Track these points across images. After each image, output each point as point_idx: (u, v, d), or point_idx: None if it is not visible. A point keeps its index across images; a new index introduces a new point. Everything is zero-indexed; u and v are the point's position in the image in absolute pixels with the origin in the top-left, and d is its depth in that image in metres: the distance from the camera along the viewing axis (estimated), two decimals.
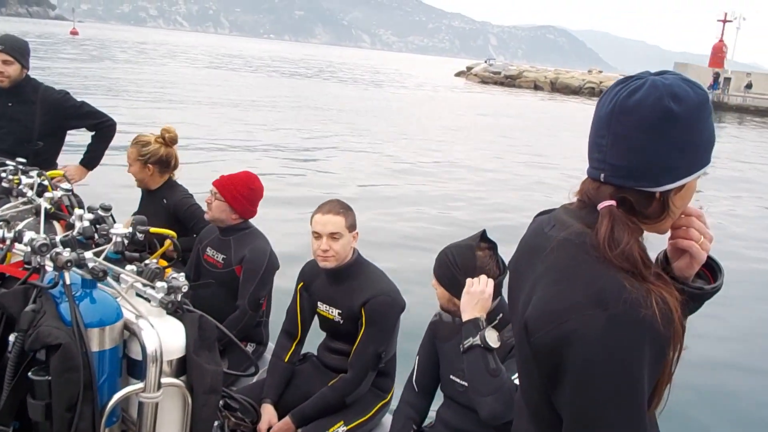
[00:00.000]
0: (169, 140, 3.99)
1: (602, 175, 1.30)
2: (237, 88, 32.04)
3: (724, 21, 63.39)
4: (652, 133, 1.25)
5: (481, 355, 2.25)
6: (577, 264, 1.26)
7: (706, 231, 1.38)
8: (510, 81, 63.75)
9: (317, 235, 3.08)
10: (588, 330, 1.17)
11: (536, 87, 61.38)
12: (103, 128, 4.64)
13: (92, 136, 4.68)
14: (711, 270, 1.46)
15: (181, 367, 1.89)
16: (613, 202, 1.28)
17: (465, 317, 2.35)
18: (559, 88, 59.97)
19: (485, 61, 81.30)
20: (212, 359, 1.93)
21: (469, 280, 2.41)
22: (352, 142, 17.87)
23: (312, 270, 3.29)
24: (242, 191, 3.54)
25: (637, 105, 1.25)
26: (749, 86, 54.67)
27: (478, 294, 2.37)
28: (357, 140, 18.22)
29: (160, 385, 1.82)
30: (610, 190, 1.30)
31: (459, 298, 2.43)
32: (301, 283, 3.33)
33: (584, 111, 42.20)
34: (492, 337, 2.27)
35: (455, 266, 2.51)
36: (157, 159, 3.95)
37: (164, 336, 1.84)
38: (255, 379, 3.37)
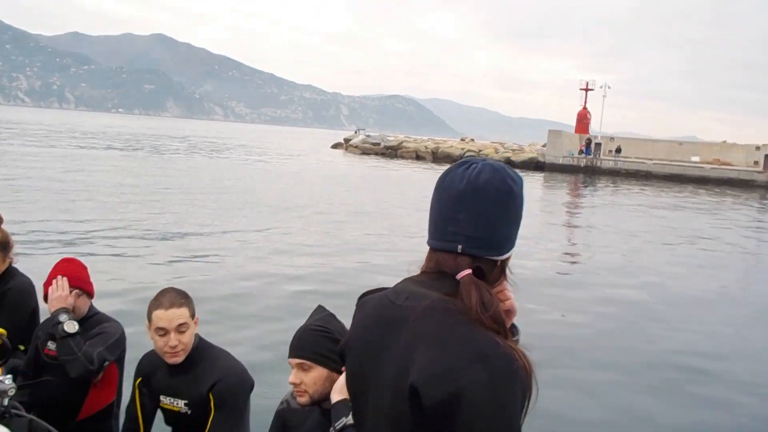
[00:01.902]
0: None
1: (460, 247, 1.45)
2: (70, 165, 30.93)
3: (586, 89, 67.91)
4: (500, 208, 1.47)
5: None
6: (452, 327, 1.37)
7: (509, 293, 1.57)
8: (391, 152, 64.91)
9: (163, 332, 2.93)
10: (475, 386, 1.29)
11: (418, 157, 62.76)
12: None
13: None
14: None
15: None
16: (470, 271, 1.43)
17: (336, 398, 2.03)
18: (440, 157, 61.72)
19: (356, 131, 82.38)
20: None
21: None
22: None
23: (151, 362, 3.15)
24: (89, 280, 3.51)
25: (487, 184, 1.45)
26: (618, 150, 58.41)
27: None
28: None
29: None
30: (468, 261, 1.45)
31: (340, 371, 2.13)
32: (139, 379, 3.17)
33: None
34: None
35: (331, 334, 2.38)
36: (1, 242, 3.77)
37: None
38: None
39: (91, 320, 3.46)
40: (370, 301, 1.59)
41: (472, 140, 74.57)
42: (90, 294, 3.53)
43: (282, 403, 2.63)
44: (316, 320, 2.45)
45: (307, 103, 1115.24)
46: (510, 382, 1.31)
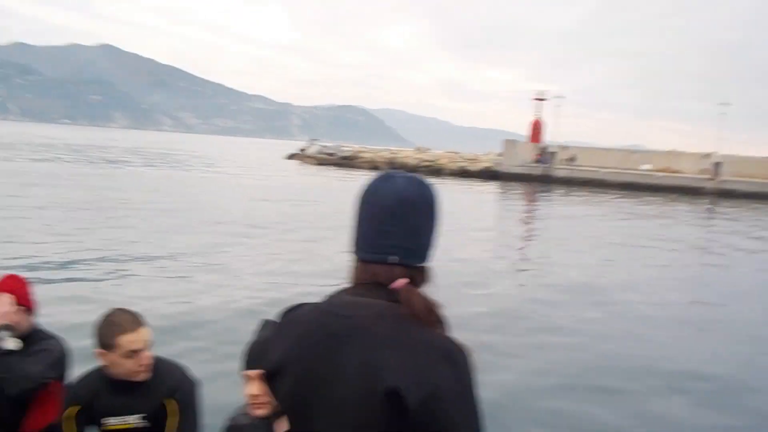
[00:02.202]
0: None
1: (396, 258, 1.54)
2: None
3: (540, 99, 68.60)
4: (430, 219, 1.59)
5: None
6: (409, 331, 1.47)
7: None
8: (347, 162, 64.53)
9: (135, 353, 2.93)
10: (448, 381, 1.43)
11: (374, 167, 62.46)
12: None
13: None
14: None
15: None
16: (407, 280, 1.53)
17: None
18: (397, 167, 61.34)
19: (310, 142, 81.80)
20: None
21: None
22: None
23: (89, 388, 3.06)
24: (31, 297, 3.44)
25: (415, 197, 1.56)
26: (573, 159, 59.09)
27: None
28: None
29: None
30: (403, 270, 1.54)
31: None
32: (78, 407, 3.05)
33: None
34: None
35: None
36: None
37: None
38: None
39: (32, 337, 3.38)
40: (304, 316, 1.58)
41: (428, 150, 74.52)
42: (32, 311, 3.45)
43: (230, 420, 2.48)
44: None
45: (257, 114, 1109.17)
46: (471, 372, 1.47)
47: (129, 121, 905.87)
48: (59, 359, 3.38)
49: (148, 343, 3.00)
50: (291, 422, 1.57)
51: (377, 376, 1.42)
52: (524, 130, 67.87)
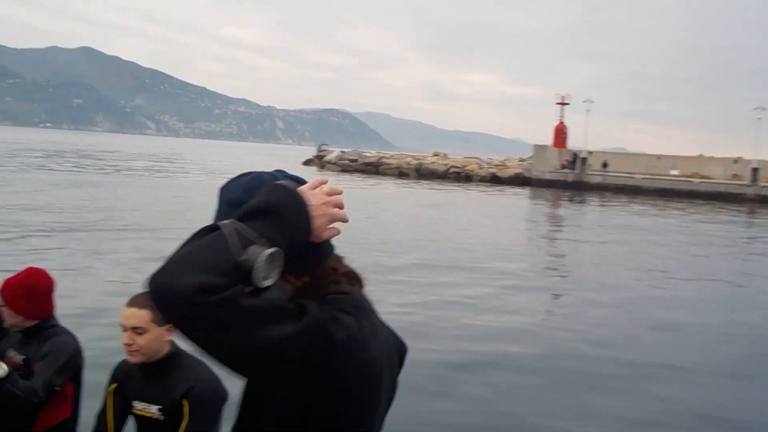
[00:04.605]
0: None
1: None
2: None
3: (562, 104, 68.17)
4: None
5: None
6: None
7: None
8: (372, 168, 63.51)
9: (123, 328, 3.01)
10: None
11: (401, 174, 61.63)
12: None
13: None
14: None
15: None
16: None
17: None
18: (424, 174, 60.67)
19: (320, 147, 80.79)
20: None
21: None
22: None
23: (125, 368, 3.18)
24: (19, 292, 3.29)
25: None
26: (605, 165, 58.55)
27: None
28: None
29: None
30: None
31: None
32: (114, 385, 3.18)
33: (484, 196, 42.62)
34: None
35: None
36: None
37: None
38: None
39: (42, 333, 3.36)
40: (364, 303, 1.54)
41: (446, 155, 73.39)
42: (20, 315, 3.35)
43: None
44: None
45: (241, 117, 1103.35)
46: None
47: (112, 124, 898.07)
48: (68, 363, 3.30)
49: (134, 328, 2.97)
50: (365, 419, 1.48)
51: (398, 344, 1.68)
52: (506, 133, 67.41)
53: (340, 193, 1.49)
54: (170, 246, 1.30)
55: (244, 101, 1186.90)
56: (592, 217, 35.73)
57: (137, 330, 2.96)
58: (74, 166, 50.40)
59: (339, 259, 1.57)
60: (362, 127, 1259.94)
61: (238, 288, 1.24)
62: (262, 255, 1.27)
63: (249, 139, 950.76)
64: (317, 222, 1.42)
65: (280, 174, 1.54)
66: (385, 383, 1.50)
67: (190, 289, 1.19)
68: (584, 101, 65.46)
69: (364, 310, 1.49)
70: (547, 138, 65.50)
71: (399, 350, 1.68)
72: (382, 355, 1.49)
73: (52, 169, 44.88)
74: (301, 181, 1.50)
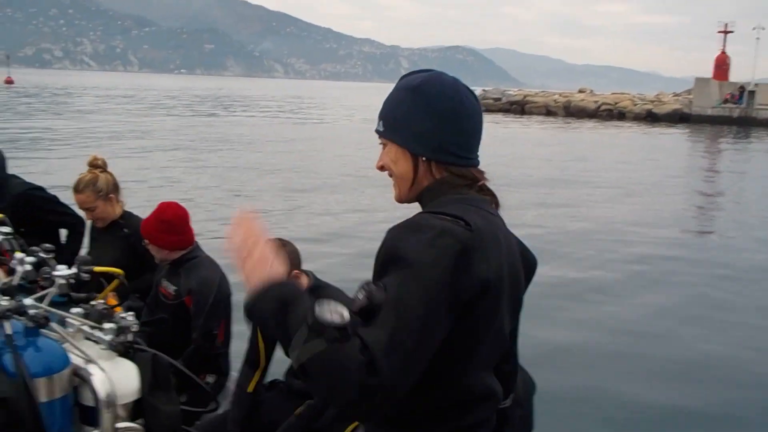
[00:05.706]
0: (104, 165, 3.84)
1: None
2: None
3: (725, 32, 60.04)
4: None
5: None
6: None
7: None
8: (517, 107, 58.00)
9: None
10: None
11: (548, 112, 56.04)
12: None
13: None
14: None
15: (137, 410, 1.82)
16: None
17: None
18: (573, 112, 54.91)
19: None
20: (169, 399, 1.88)
21: None
22: None
23: None
24: (158, 227, 3.34)
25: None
26: None
27: None
28: None
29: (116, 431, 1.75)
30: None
31: None
32: None
33: (640, 137, 37.12)
34: None
35: None
36: (112, 186, 3.80)
37: (116, 380, 1.79)
38: (221, 410, 3.10)
39: (186, 264, 3.40)
40: (482, 222, 1.47)
41: (591, 91, 65.94)
42: (164, 248, 3.41)
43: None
44: None
45: (366, 58, 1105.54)
46: None
47: (242, 68, 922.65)
48: (214, 302, 3.27)
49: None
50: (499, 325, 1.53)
51: (527, 257, 1.69)
52: (641, 66, 59.75)
53: (233, 235, 1.43)
54: None
55: (369, 41, 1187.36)
56: None
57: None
58: (259, 112, 48.43)
59: (481, 172, 1.61)
60: (487, 64, 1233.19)
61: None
62: (316, 307, 1.28)
63: (374, 79, 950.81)
64: (247, 282, 1.39)
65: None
66: (505, 292, 1.50)
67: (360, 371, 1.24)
68: (754, 28, 56.83)
69: (487, 218, 1.51)
70: (689, 70, 57.83)
71: (528, 263, 1.69)
72: (502, 264, 1.49)
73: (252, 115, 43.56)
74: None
